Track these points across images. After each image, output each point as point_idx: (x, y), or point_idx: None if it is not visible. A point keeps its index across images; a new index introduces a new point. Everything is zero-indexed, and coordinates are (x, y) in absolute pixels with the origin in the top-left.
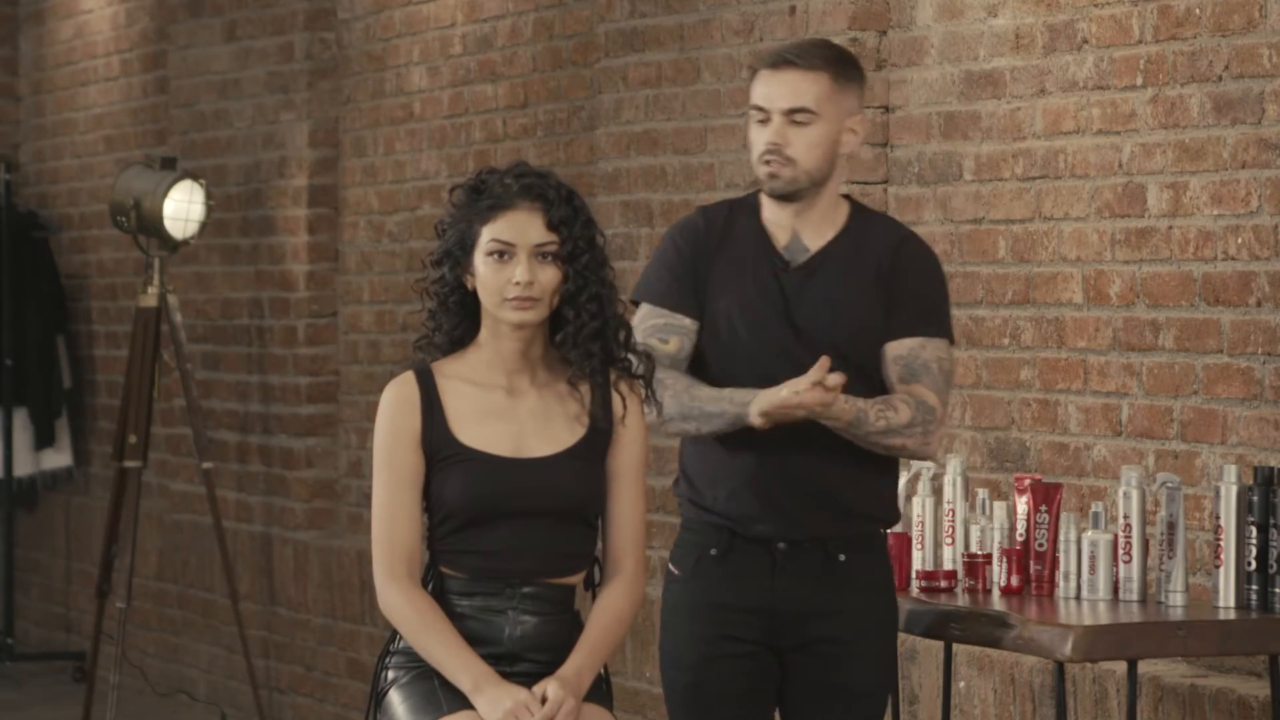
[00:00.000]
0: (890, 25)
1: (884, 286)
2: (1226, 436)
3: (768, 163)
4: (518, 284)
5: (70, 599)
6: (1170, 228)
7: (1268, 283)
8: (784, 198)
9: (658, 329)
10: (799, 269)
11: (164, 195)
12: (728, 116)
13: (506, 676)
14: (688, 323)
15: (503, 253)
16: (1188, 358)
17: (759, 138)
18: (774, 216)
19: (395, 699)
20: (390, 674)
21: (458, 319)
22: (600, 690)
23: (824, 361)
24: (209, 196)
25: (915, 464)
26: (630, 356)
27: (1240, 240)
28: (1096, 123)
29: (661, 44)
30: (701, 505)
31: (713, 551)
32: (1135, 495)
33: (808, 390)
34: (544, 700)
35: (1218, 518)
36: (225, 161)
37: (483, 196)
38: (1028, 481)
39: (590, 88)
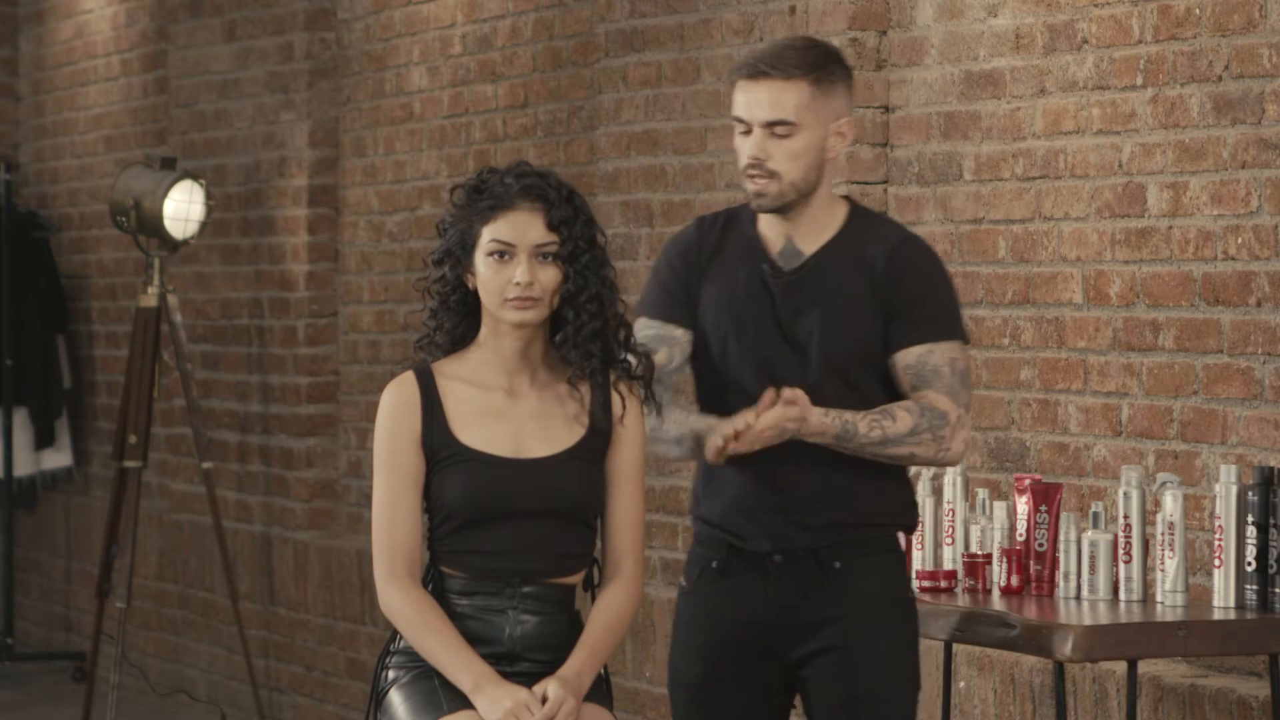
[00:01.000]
0: (890, 25)
1: (880, 293)
2: (1226, 436)
3: (752, 178)
4: (518, 284)
5: (70, 599)
6: (1170, 228)
7: (1268, 283)
8: (769, 211)
9: (648, 340)
10: (790, 274)
11: (164, 195)
12: (728, 117)
13: (506, 676)
14: (679, 333)
15: (503, 253)
16: (1188, 358)
17: (742, 148)
18: (769, 222)
19: (395, 699)
20: (390, 674)
21: (459, 318)
22: (600, 690)
23: (769, 395)
24: (209, 196)
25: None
26: (630, 357)
27: (1240, 240)
28: (1096, 123)
29: (661, 44)
30: (704, 519)
31: (714, 564)
32: (1135, 495)
33: (765, 411)
34: (544, 700)
35: (1217, 518)
36: (225, 161)
37: (483, 196)
38: (1028, 481)
39: (590, 88)
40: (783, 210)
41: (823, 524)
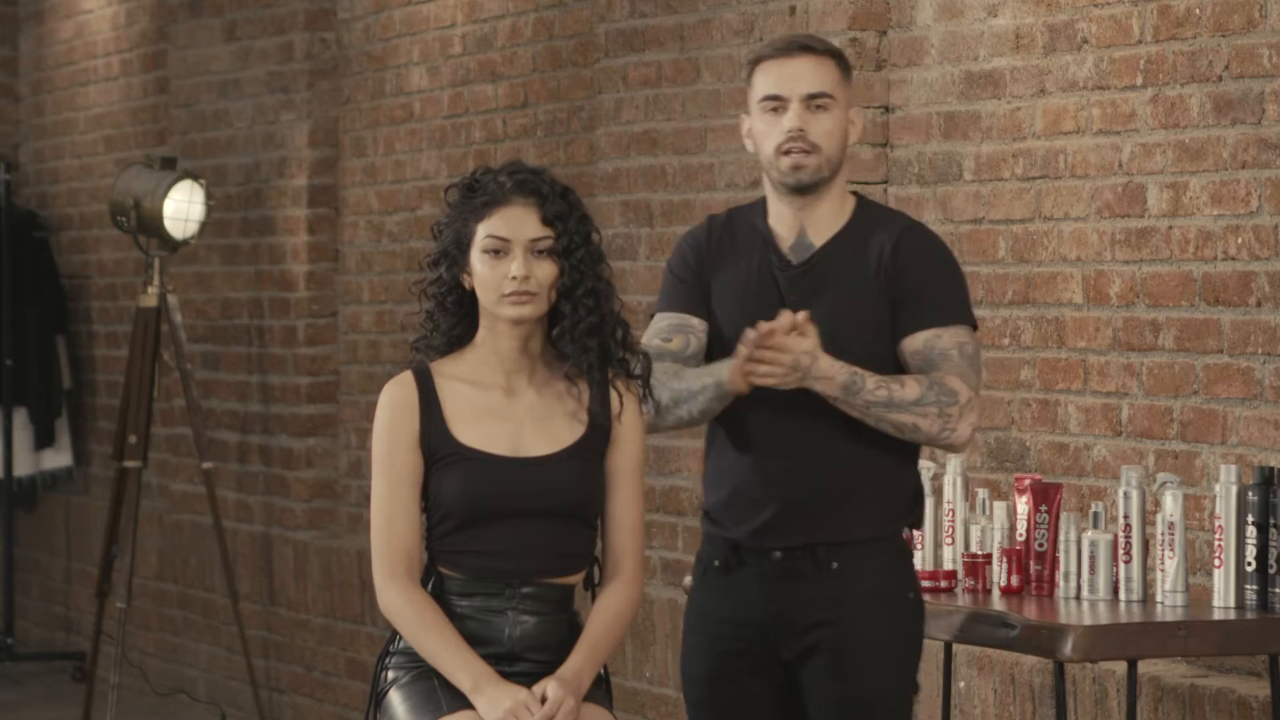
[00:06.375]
0: (890, 25)
1: (886, 280)
2: (1226, 436)
3: (789, 152)
4: (514, 279)
5: (70, 599)
6: (1170, 228)
7: (1268, 283)
8: (803, 190)
9: (662, 330)
10: (798, 267)
11: (164, 195)
12: (728, 116)
13: (506, 676)
14: (695, 322)
15: (498, 249)
16: (1188, 358)
17: (773, 128)
18: (780, 216)
19: (395, 699)
20: (390, 674)
21: (455, 319)
22: (600, 690)
23: (785, 316)
24: (209, 196)
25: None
26: (628, 356)
27: (1240, 240)
28: (1096, 123)
29: (661, 44)
30: (709, 515)
31: (716, 563)
32: (1135, 495)
33: (775, 331)
34: (544, 700)
35: (1217, 518)
36: (225, 161)
37: (477, 194)
38: (1028, 481)
39: (590, 88)
40: (812, 189)
41: (823, 520)
